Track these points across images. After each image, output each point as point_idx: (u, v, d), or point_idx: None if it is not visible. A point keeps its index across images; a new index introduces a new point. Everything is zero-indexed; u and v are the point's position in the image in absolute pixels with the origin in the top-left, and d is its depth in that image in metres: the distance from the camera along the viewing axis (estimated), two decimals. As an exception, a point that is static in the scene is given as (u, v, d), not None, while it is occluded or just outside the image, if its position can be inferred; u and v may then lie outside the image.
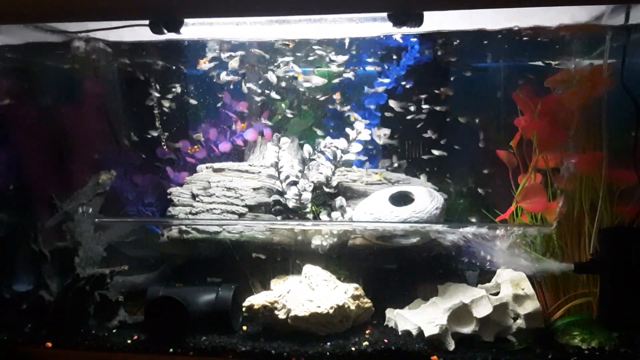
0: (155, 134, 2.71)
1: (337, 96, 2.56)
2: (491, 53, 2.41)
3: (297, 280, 2.24)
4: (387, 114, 2.54)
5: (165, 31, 1.91)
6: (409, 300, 2.22)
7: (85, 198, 2.36)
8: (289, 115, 2.64)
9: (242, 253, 2.34)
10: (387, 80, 2.52)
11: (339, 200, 2.39)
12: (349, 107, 2.57)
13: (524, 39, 2.13)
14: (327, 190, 2.43)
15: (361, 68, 2.57)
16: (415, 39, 2.39)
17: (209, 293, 2.17)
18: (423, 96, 2.47)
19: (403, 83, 2.51)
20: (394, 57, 2.49)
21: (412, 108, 2.48)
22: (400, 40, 2.35)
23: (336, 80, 2.57)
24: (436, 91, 2.43)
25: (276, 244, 2.32)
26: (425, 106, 2.47)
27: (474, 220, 2.36)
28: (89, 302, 2.22)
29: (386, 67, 2.53)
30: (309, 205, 2.39)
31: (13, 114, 2.51)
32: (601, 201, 1.95)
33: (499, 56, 2.43)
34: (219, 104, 2.70)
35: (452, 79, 2.47)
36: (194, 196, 2.41)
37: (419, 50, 2.44)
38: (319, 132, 2.63)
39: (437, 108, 2.46)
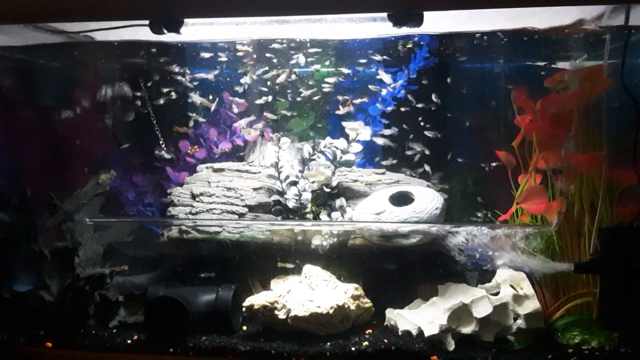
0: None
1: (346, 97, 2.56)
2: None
3: (297, 281, 2.24)
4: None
5: (165, 31, 1.91)
6: (409, 300, 2.22)
7: (85, 198, 2.36)
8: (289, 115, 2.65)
9: (243, 253, 2.35)
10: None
11: (339, 201, 2.39)
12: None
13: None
14: (327, 190, 2.43)
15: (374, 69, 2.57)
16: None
17: (209, 293, 2.17)
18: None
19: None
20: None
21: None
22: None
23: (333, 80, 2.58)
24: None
25: (276, 244, 2.32)
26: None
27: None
28: (89, 302, 2.22)
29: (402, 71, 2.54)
30: (309, 205, 2.39)
31: (13, 113, 2.51)
32: (601, 201, 1.95)
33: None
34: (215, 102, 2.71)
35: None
36: (194, 196, 2.41)
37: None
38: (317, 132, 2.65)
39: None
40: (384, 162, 2.59)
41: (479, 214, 2.40)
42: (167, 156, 2.70)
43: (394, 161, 2.58)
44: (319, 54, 2.42)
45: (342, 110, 2.54)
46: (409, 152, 2.54)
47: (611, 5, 1.78)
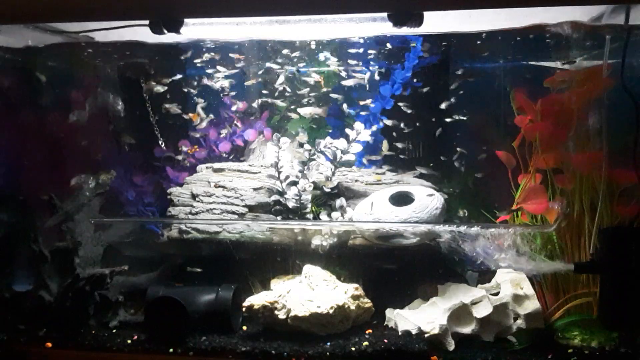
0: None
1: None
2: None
3: (297, 281, 2.24)
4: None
5: (165, 31, 1.91)
6: (409, 300, 2.22)
7: (85, 198, 2.36)
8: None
9: (243, 253, 2.35)
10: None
11: (339, 201, 2.38)
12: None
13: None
14: (326, 190, 2.43)
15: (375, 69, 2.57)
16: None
17: (208, 293, 2.17)
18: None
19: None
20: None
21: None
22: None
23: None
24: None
25: (276, 244, 2.32)
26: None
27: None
28: (89, 302, 2.23)
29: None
30: (309, 205, 2.39)
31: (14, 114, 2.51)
32: (601, 201, 1.95)
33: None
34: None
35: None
36: (194, 196, 2.41)
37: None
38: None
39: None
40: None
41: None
42: (178, 158, 2.71)
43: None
44: (319, 53, 2.43)
45: (322, 111, 2.55)
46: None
47: (611, 5, 1.78)
